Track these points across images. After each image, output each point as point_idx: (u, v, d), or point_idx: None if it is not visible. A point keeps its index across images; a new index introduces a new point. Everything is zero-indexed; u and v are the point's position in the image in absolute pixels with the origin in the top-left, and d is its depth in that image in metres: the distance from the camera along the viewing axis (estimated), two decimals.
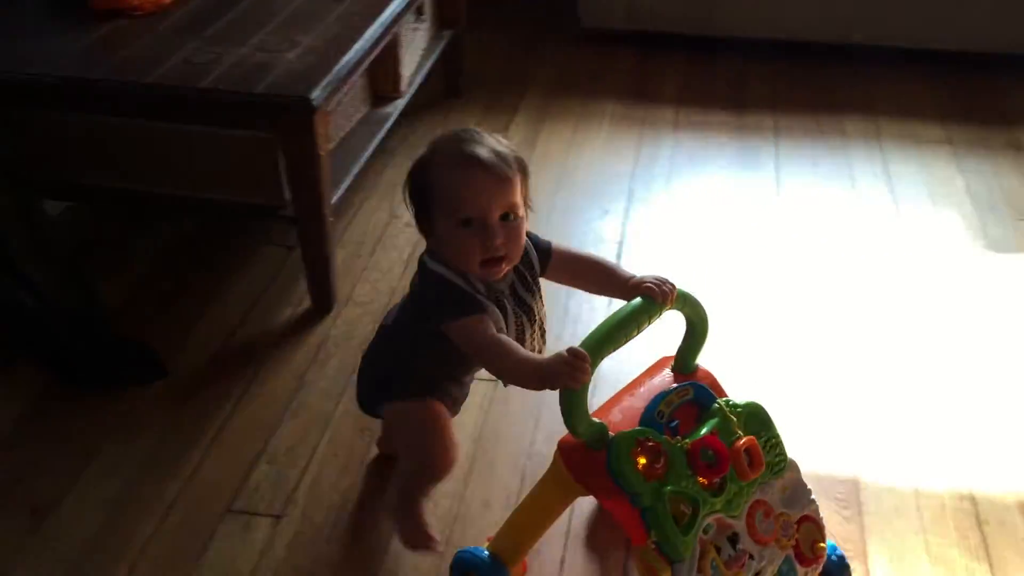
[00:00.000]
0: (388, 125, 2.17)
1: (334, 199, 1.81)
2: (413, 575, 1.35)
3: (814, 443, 1.54)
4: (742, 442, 1.11)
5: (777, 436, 1.18)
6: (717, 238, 2.09)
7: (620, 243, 2.06)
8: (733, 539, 1.10)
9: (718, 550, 1.09)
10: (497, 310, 1.19)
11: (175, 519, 1.43)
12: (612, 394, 1.23)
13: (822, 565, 1.19)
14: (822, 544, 1.18)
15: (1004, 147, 2.41)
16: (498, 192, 1.14)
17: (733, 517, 1.11)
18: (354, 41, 1.80)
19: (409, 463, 1.31)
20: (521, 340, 1.23)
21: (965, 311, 1.86)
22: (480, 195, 1.14)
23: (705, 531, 1.08)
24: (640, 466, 1.07)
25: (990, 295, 1.90)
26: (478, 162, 1.14)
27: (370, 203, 2.21)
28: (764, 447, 1.14)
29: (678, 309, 1.18)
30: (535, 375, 1.10)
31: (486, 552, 1.27)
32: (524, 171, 1.19)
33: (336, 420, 1.61)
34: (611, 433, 1.10)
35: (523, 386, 1.15)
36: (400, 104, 2.24)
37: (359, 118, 2.15)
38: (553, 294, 1.40)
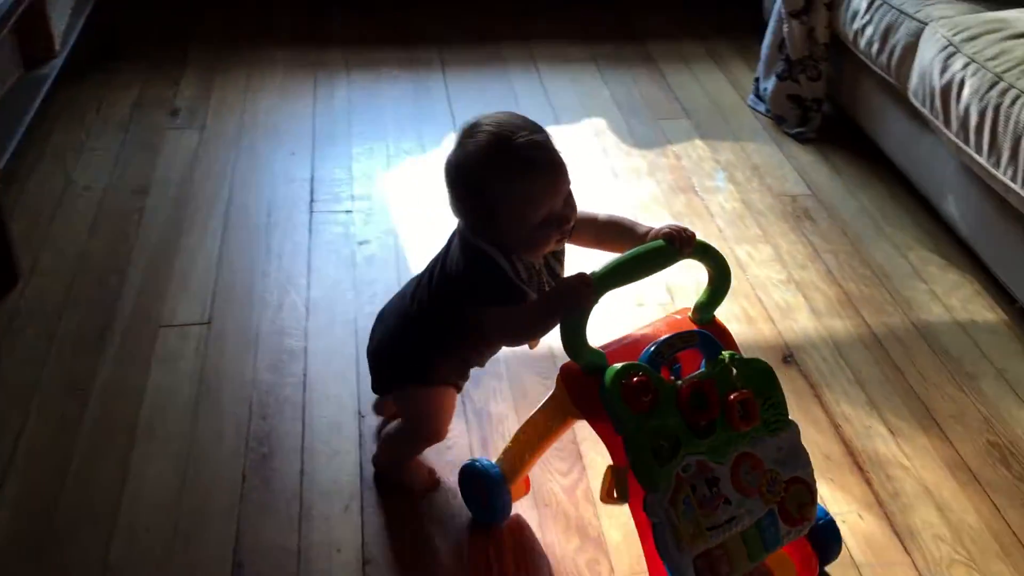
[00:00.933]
0: (47, 87, 2.07)
1: None
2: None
3: None
4: (738, 394, 1.13)
5: (780, 397, 1.18)
6: (403, 166, 2.20)
7: (311, 180, 2.12)
8: (712, 482, 1.11)
9: (694, 489, 1.10)
10: (535, 294, 1.22)
11: None
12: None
13: (807, 528, 1.19)
14: (811, 507, 1.18)
15: (639, 60, 2.72)
16: (561, 183, 1.16)
17: (717, 463, 1.12)
18: None
19: (413, 433, 1.40)
20: None
21: (624, 199, 2.12)
22: (553, 196, 1.15)
23: (684, 470, 1.09)
24: (629, 395, 1.09)
25: (644, 181, 2.18)
26: (537, 167, 1.14)
27: (42, 169, 2.10)
28: (763, 404, 1.15)
29: (697, 259, 1.18)
30: (545, 309, 1.17)
31: (496, 466, 1.34)
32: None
33: (44, 385, 1.56)
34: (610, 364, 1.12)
35: (542, 333, 1.21)
36: (57, 64, 2.14)
37: (12, 82, 2.03)
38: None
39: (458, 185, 1.19)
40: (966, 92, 1.76)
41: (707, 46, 2.82)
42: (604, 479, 1.15)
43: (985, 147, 1.72)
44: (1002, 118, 1.67)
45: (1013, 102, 1.66)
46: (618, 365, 1.11)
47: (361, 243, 1.92)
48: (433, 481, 1.42)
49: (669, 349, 1.14)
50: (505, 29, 2.85)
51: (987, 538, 1.37)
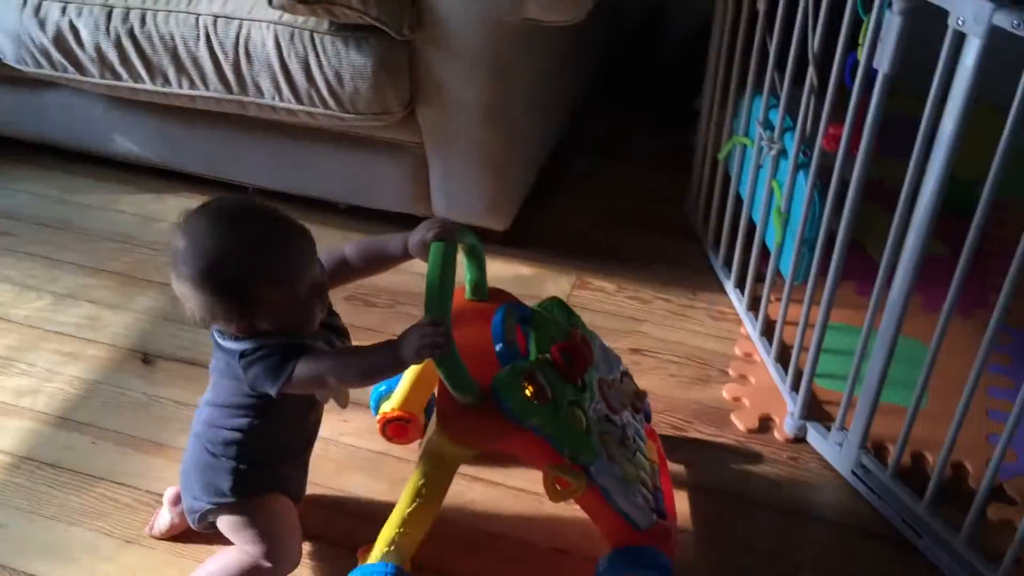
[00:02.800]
0: None
1: None
2: None
3: None
4: (575, 334, 1.17)
5: (577, 316, 1.26)
6: None
7: None
8: (607, 419, 1.17)
9: (606, 435, 1.15)
10: (325, 344, 1.11)
11: None
12: None
13: (644, 410, 1.33)
14: (642, 391, 1.32)
15: None
16: (314, 245, 1.08)
17: (597, 401, 1.17)
18: None
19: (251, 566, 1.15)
20: None
21: None
22: (312, 262, 1.07)
23: (596, 424, 1.14)
24: (531, 396, 1.07)
25: None
26: (294, 236, 1.06)
27: None
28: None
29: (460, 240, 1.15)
30: (394, 360, 1.03)
31: (391, 565, 1.11)
32: None
33: None
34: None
35: (385, 378, 1.22)
36: None
37: None
38: None
39: (208, 286, 1.02)
40: (85, 35, 1.73)
41: None
42: (546, 480, 1.12)
43: (143, 73, 1.75)
44: (143, 38, 1.71)
45: (142, 21, 1.70)
46: (501, 376, 1.08)
47: None
48: None
49: (511, 335, 1.14)
50: None
51: None
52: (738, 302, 1.72)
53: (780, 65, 1.45)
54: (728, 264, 1.75)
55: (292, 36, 1.63)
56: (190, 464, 1.19)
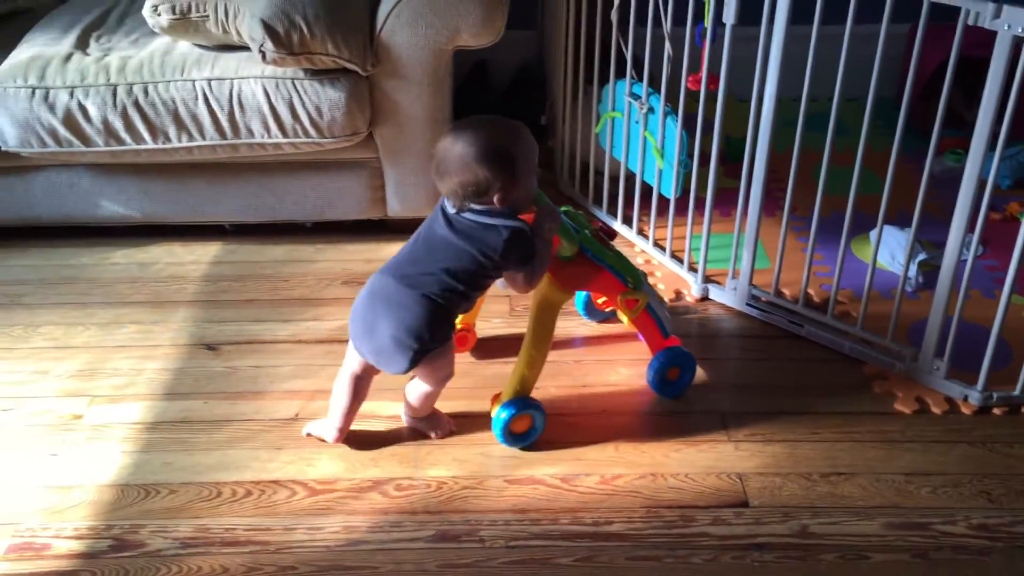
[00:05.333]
0: None
1: None
2: None
3: None
4: (595, 223, 1.85)
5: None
6: None
7: None
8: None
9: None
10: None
11: None
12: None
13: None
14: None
15: None
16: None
17: None
18: None
19: (438, 382, 1.68)
20: None
21: None
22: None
23: None
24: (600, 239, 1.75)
25: None
26: (529, 135, 1.60)
27: None
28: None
29: None
30: (547, 249, 1.63)
31: (526, 399, 1.71)
32: None
33: None
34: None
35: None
36: None
37: None
38: None
39: (489, 161, 1.52)
40: (93, 111, 2.12)
41: None
42: (620, 306, 1.78)
43: (147, 136, 2.15)
44: (147, 107, 2.13)
45: (145, 92, 2.12)
46: (586, 236, 1.73)
47: None
48: (452, 426, 1.78)
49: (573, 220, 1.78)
50: None
51: None
52: (628, 232, 2.38)
53: (638, 55, 2.16)
54: (612, 212, 2.41)
55: (277, 85, 2.13)
56: (418, 319, 1.56)
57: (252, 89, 2.13)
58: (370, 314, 1.60)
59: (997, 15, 1.54)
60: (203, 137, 2.17)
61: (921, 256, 2.18)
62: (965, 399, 1.85)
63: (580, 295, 2.05)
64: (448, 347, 1.65)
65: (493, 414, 1.72)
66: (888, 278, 2.14)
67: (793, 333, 2.03)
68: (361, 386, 1.70)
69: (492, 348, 1.99)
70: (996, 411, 1.83)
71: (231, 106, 2.14)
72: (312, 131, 2.16)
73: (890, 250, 2.22)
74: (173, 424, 1.81)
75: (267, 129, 2.16)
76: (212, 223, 2.37)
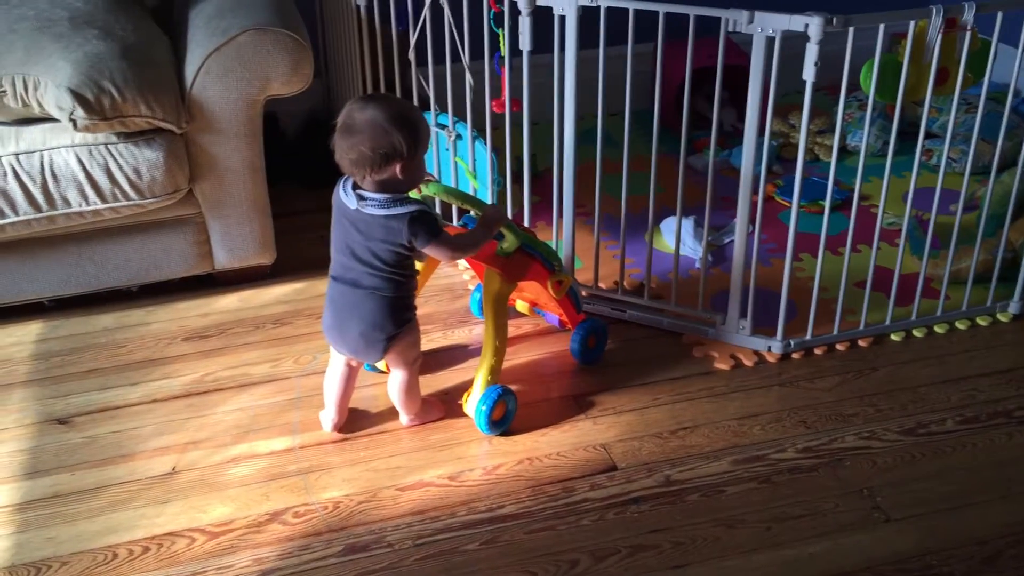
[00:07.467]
0: None
1: None
2: None
3: None
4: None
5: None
6: None
7: None
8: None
9: None
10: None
11: None
12: None
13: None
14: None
15: None
16: None
17: None
18: None
19: (408, 373, 1.84)
20: None
21: None
22: None
23: None
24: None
25: None
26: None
27: None
28: None
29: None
30: (486, 236, 1.81)
31: (498, 387, 1.86)
32: None
33: None
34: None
35: (480, 248, 1.82)
36: None
37: None
38: None
39: (399, 124, 1.62)
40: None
41: None
42: (549, 288, 1.97)
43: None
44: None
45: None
46: (513, 227, 1.90)
47: None
48: (443, 410, 1.95)
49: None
50: None
51: None
52: None
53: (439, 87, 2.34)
54: None
55: (91, 151, 2.12)
56: (375, 314, 1.74)
57: (64, 159, 2.11)
58: (337, 321, 1.79)
59: (751, 20, 1.85)
60: (15, 213, 2.11)
61: (709, 238, 2.50)
62: (769, 350, 2.15)
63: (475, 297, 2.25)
64: (412, 328, 1.82)
65: (472, 409, 1.87)
66: (683, 261, 2.43)
67: (618, 318, 2.26)
68: (350, 377, 1.89)
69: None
70: (795, 356, 2.14)
71: (43, 178, 2.10)
72: (132, 193, 2.16)
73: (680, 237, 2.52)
74: (44, 501, 1.76)
75: (84, 197, 2.14)
76: (29, 302, 2.29)
